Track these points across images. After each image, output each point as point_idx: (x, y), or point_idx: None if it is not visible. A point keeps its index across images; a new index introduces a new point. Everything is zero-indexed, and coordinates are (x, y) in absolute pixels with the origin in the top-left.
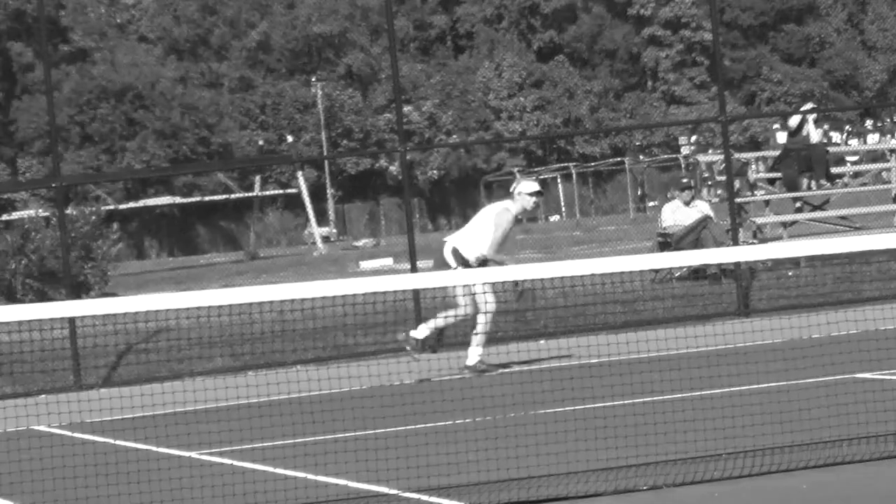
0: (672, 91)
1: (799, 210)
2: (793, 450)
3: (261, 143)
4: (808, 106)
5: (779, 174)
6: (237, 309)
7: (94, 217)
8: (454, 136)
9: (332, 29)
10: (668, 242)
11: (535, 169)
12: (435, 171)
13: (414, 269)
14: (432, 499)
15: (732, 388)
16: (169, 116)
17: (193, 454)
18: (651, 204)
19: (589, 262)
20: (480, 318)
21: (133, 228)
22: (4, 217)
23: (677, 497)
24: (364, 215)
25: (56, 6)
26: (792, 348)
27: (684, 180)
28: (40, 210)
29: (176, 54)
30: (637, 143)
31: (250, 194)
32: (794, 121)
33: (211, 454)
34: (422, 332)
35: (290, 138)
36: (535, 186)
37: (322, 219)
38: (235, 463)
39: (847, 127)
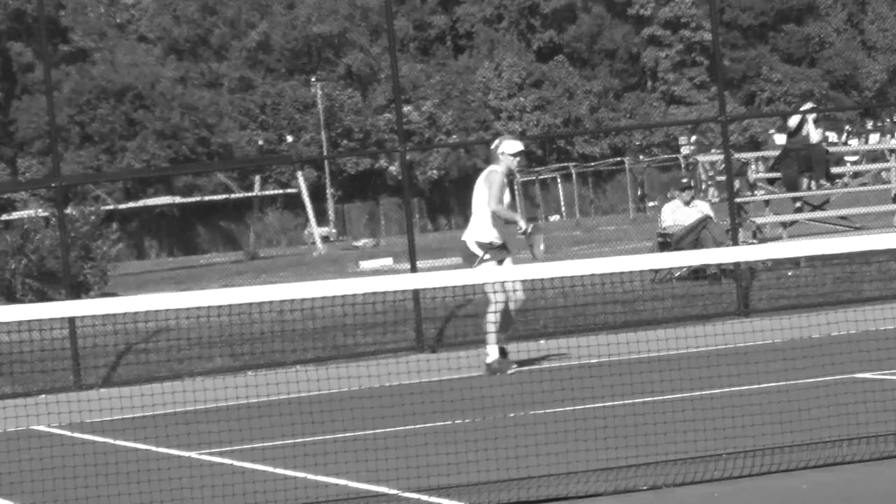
0: (672, 91)
1: (799, 210)
2: (793, 450)
3: (261, 143)
4: (808, 106)
5: (779, 174)
6: (237, 309)
7: (93, 217)
8: (454, 136)
9: (332, 29)
10: (668, 242)
11: (536, 169)
12: (435, 171)
13: (414, 269)
14: (432, 499)
15: (732, 388)
16: (169, 116)
17: (193, 454)
18: (651, 204)
19: (589, 262)
20: (490, 312)
21: (133, 228)
22: (4, 217)
23: (677, 497)
24: (364, 215)
25: (56, 6)
26: (792, 348)
27: (684, 180)
28: (40, 210)
29: (176, 54)
30: (637, 143)
31: (250, 194)
32: (793, 121)
33: (211, 454)
34: (491, 351)
35: (290, 138)
36: (518, 146)
37: (322, 219)
38: (235, 463)
39: (847, 127)
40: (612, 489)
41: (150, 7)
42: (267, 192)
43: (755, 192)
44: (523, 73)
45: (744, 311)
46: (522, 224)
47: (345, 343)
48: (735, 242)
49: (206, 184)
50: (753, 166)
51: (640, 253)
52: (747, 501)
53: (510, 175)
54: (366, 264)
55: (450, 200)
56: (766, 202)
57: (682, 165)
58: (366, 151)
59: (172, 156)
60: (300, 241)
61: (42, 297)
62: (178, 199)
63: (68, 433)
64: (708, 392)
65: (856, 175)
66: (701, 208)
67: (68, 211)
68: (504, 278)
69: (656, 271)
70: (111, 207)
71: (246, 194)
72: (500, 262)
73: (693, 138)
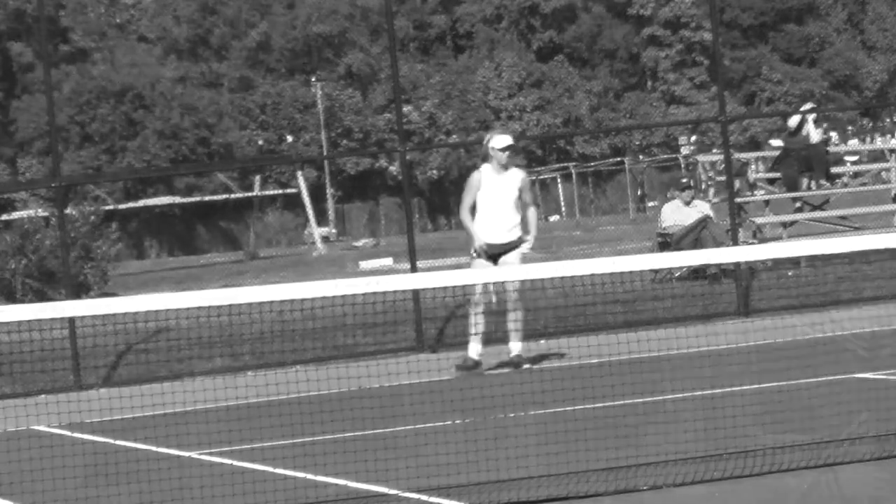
0: (672, 91)
1: (799, 210)
2: (793, 450)
3: (261, 143)
4: (808, 106)
5: (778, 174)
6: (237, 309)
7: (93, 217)
8: (454, 136)
9: (332, 29)
10: (668, 242)
11: (536, 169)
12: (435, 171)
13: (414, 269)
14: (432, 499)
15: (733, 388)
16: (169, 116)
17: (193, 454)
18: (651, 204)
19: (589, 262)
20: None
21: (133, 228)
22: (4, 217)
23: (677, 497)
24: (364, 215)
25: (56, 6)
26: (792, 348)
27: (684, 180)
28: (40, 210)
29: (176, 54)
30: (637, 143)
31: (250, 194)
32: (793, 121)
33: (211, 454)
34: (472, 350)
35: (290, 138)
36: (505, 140)
37: (322, 219)
38: (235, 463)
39: (849, 127)
40: (612, 489)
41: (151, 7)
42: (267, 192)
43: (755, 192)
44: (523, 73)
45: (744, 311)
46: (475, 244)
47: (345, 343)
48: (735, 242)
49: (207, 184)
50: (753, 166)
51: (640, 253)
52: (747, 501)
53: (497, 171)
54: (366, 264)
55: (450, 200)
56: (766, 202)
57: (682, 165)
58: (366, 151)
59: (172, 156)
60: (300, 241)
61: (42, 297)
62: (178, 199)
63: (68, 433)
64: (708, 392)
65: (856, 175)
66: (701, 208)
67: (68, 211)
68: (504, 278)
69: (656, 271)
70: (111, 207)
71: (246, 194)
72: (495, 261)
73: (693, 138)
